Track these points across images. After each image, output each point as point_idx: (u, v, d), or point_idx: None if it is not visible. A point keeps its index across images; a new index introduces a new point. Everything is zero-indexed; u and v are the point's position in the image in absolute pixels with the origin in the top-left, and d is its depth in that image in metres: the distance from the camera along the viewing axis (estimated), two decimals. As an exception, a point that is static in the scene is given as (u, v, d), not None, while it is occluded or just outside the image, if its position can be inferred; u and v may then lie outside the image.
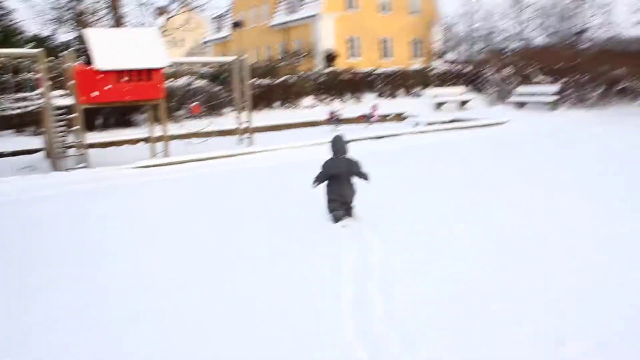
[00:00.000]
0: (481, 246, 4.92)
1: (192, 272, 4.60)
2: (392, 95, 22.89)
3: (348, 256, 4.74)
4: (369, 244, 5.06)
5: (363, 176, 5.70)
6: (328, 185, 5.71)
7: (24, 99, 10.43)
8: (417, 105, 21.55)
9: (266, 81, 20.36)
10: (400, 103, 22.05)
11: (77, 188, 8.76)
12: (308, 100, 21.17)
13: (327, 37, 29.74)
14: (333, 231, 5.50)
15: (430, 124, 16.37)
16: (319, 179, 5.70)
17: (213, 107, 18.04)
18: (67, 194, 8.34)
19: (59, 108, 10.80)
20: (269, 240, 5.36)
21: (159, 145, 12.26)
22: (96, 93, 10.72)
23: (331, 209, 5.72)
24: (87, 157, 10.98)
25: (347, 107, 21.14)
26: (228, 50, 38.34)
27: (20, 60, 10.45)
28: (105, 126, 16.62)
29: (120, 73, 10.98)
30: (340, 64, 27.00)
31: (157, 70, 11.46)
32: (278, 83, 20.54)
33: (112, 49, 10.99)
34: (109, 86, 10.83)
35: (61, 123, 11.07)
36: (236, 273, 4.53)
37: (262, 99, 20.16)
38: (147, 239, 5.68)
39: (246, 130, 14.20)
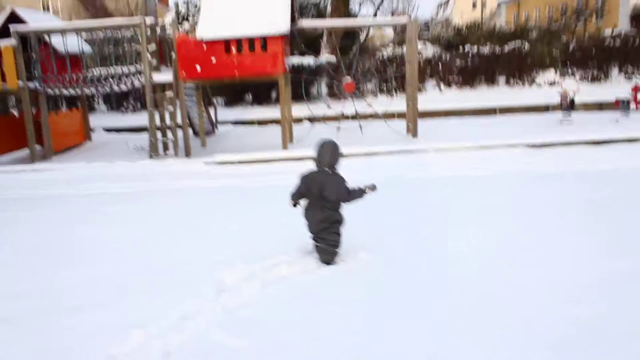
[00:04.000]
0: None
1: None
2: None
3: None
4: None
5: (343, 198, 4.00)
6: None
7: (128, 74, 9.46)
8: None
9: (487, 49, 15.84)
10: None
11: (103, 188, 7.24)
12: (548, 75, 15.70)
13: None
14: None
15: None
16: (294, 196, 4.19)
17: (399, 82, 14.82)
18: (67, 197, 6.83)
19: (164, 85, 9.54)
20: None
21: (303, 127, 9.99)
22: (199, 68, 9.07)
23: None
24: (177, 144, 9.45)
25: (611, 86, 14.92)
26: (521, 11, 33.07)
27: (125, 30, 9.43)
28: (265, 101, 15.43)
29: (227, 43, 9.04)
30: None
31: (274, 38, 9.09)
32: (507, 52, 15.74)
33: (221, 14, 9.08)
34: (214, 59, 9.03)
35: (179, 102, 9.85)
36: None
37: (482, 72, 15.80)
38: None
39: (410, 117, 10.67)
